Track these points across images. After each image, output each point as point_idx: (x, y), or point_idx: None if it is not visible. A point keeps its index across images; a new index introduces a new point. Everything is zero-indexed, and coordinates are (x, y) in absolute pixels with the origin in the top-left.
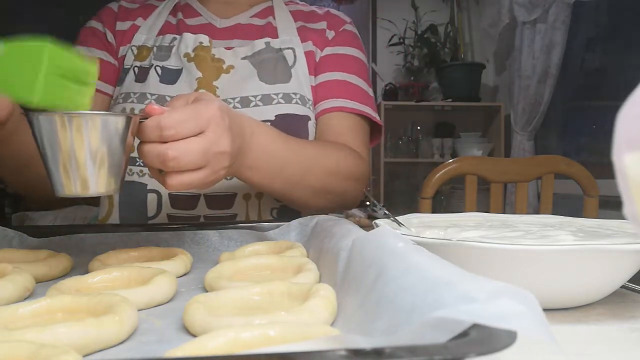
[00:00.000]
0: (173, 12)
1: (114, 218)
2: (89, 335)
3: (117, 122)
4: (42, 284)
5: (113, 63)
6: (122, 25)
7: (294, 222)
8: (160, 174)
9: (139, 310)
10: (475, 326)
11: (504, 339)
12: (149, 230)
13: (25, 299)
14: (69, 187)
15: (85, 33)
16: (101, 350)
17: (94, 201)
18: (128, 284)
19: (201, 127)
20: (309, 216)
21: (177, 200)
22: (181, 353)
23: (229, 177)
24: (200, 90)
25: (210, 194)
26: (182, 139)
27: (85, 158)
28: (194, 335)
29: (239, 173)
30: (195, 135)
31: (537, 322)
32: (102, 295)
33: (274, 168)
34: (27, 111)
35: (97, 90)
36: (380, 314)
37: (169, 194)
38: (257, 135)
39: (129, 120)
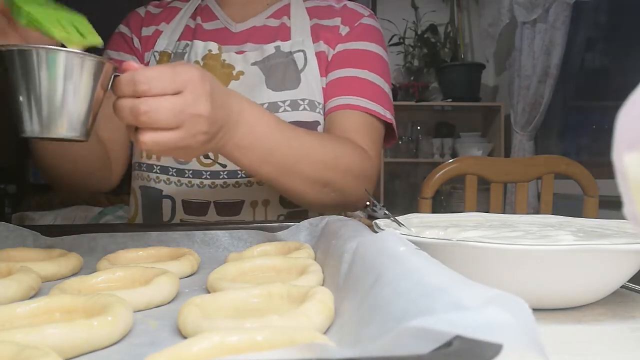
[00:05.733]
0: (194, 15)
1: (139, 219)
2: (79, 336)
3: (85, 62)
4: (51, 283)
5: None
6: (146, 31)
7: (304, 223)
8: (135, 132)
9: (138, 311)
10: (458, 337)
11: (488, 351)
12: (160, 230)
13: (31, 297)
14: (30, 127)
15: (115, 38)
16: (93, 352)
17: (94, 201)
18: (131, 284)
19: (178, 87)
20: (319, 216)
21: (190, 206)
22: (162, 358)
23: (217, 160)
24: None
25: (219, 201)
26: (157, 95)
27: (46, 96)
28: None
29: (227, 151)
30: (171, 95)
31: (525, 333)
32: (99, 296)
33: (263, 150)
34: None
35: None
36: (373, 320)
37: (182, 200)
38: (246, 113)
39: (100, 64)
